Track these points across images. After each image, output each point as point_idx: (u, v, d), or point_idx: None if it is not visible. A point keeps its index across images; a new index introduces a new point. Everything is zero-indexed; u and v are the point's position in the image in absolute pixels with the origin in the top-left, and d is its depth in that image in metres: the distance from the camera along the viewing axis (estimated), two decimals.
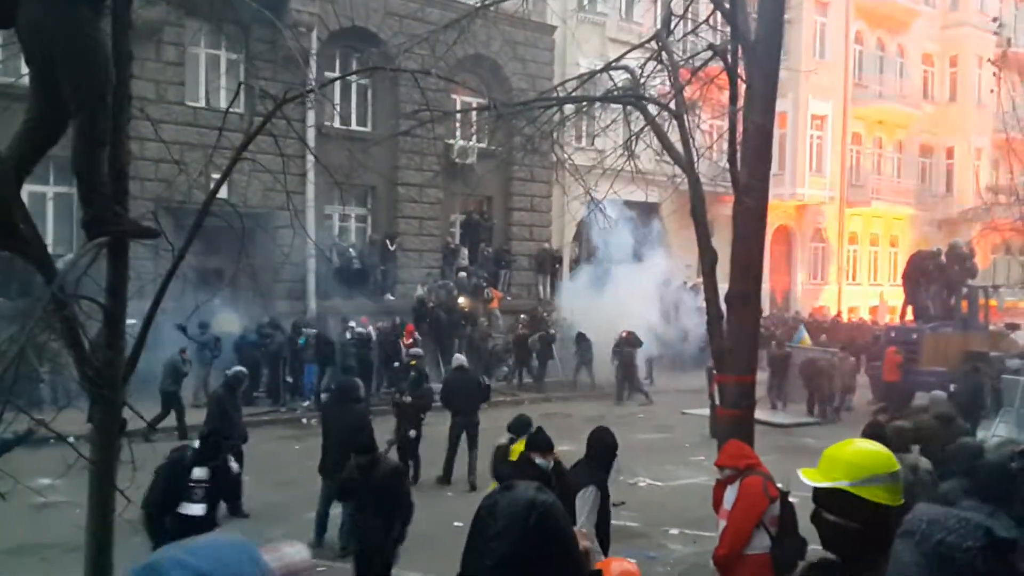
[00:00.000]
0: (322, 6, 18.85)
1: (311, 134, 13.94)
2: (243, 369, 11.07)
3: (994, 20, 11.85)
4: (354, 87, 19.75)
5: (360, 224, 21.55)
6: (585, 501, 5.91)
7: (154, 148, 12.75)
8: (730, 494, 5.83)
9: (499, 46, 21.04)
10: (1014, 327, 19.96)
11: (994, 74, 10.87)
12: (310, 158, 12.95)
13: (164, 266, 3.64)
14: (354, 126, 19.88)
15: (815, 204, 30.16)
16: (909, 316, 20.31)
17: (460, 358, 13.32)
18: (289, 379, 17.30)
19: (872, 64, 32.06)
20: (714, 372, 9.92)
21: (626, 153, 8.53)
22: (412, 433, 11.22)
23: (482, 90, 16.82)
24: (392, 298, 20.54)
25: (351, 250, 20.55)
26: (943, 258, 20.21)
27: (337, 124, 18.41)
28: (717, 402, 8.96)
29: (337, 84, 17.68)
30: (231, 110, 4.54)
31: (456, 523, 8.98)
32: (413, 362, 13.44)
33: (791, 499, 5.90)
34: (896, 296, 24.46)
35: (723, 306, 7.04)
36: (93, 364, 3.36)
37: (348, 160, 8.14)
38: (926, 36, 33.11)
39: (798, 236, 30.52)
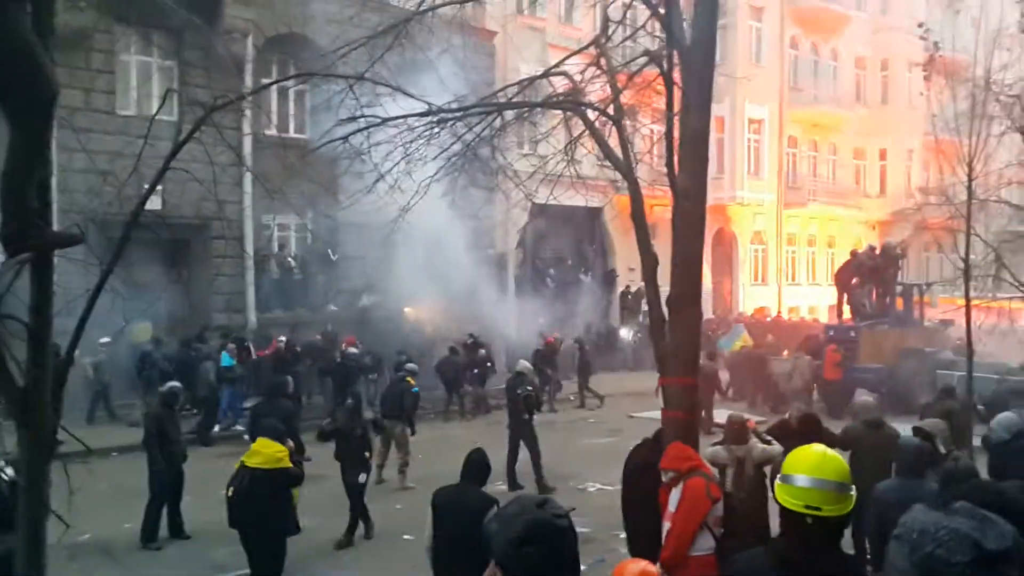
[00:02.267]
0: (259, 12, 18.47)
1: (247, 142, 13.68)
2: (178, 384, 10.78)
3: (920, 25, 12.21)
4: (291, 94, 19.42)
5: (300, 234, 21.19)
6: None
7: (83, 159, 12.40)
8: (674, 496, 5.86)
9: (437, 52, 20.92)
10: (947, 323, 20.55)
11: (925, 78, 11.17)
12: (244, 166, 12.70)
13: (93, 281, 3.50)
14: (292, 133, 19.55)
15: (754, 206, 30.72)
16: (847, 315, 20.79)
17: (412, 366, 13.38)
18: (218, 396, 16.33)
19: (807, 68, 32.83)
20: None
21: (567, 159, 8.54)
22: (362, 477, 9.61)
23: (422, 97, 16.70)
24: (335, 308, 20.25)
25: (290, 260, 20.22)
26: (878, 258, 20.77)
27: (274, 132, 18.06)
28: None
29: (274, 91, 17.36)
30: (164, 118, 4.40)
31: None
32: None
33: None
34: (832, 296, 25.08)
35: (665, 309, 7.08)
36: (14, 385, 3.20)
37: (285, 168, 8.01)
38: (858, 41, 34.02)
39: (738, 238, 31.05)
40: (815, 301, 32.08)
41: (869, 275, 20.58)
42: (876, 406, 8.97)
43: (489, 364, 19.16)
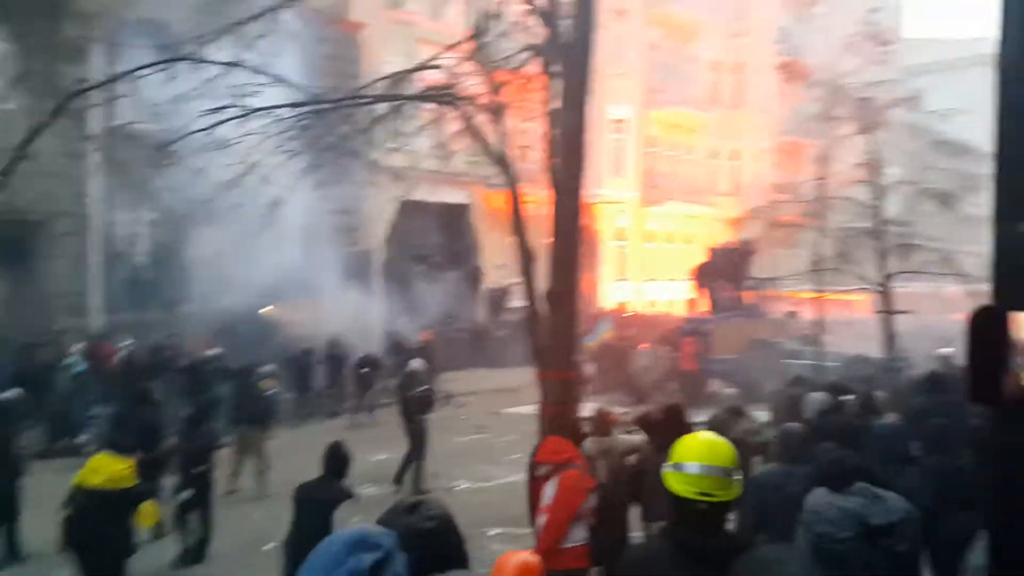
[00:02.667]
0: None
1: (98, 132, 12.76)
2: (17, 391, 9.89)
3: (778, 31, 12.89)
4: (150, 83, 18.16)
5: (154, 230, 19.96)
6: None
7: None
8: (549, 489, 5.90)
9: (303, 43, 20.32)
10: (794, 315, 21.86)
11: (784, 80, 11.76)
12: (95, 157, 11.83)
13: None
14: (147, 124, 18.39)
15: (616, 204, 31.56)
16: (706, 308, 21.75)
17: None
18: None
19: (666, 70, 34.02)
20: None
21: (444, 154, 8.44)
22: (185, 494, 8.66)
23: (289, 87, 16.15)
24: (191, 309, 19.26)
25: (143, 258, 19.08)
26: (732, 254, 21.85)
27: (128, 122, 16.90)
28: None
29: (132, 79, 16.21)
30: (6, 107, 3.98)
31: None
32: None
33: None
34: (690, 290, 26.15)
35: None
36: None
37: (142, 161, 7.48)
38: (714, 44, 35.52)
39: (601, 235, 31.82)
40: (674, 296, 33.32)
41: (724, 270, 21.59)
42: (738, 396, 9.33)
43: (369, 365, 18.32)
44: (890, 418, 6.67)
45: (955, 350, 13.47)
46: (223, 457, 11.66)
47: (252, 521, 10.09)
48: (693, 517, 2.69)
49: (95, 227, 16.85)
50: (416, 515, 1.87)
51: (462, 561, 1.90)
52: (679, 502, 2.72)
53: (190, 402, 11.09)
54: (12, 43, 16.71)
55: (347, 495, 5.67)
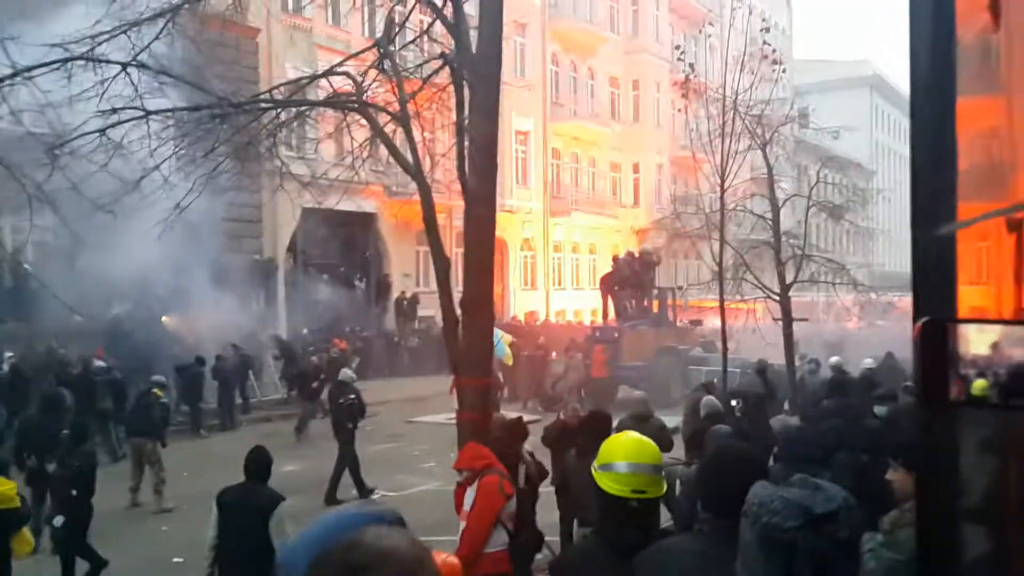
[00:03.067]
0: None
1: None
2: None
3: (677, 48, 13.32)
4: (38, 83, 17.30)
5: (39, 238, 18.95)
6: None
7: None
8: (469, 495, 5.88)
9: (196, 47, 19.68)
10: (697, 323, 22.48)
11: (682, 95, 12.08)
12: None
13: None
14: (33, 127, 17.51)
15: (522, 214, 31.83)
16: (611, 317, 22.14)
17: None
18: None
19: (567, 84, 34.58)
20: None
21: (355, 160, 8.31)
22: (57, 520, 7.83)
23: (179, 93, 15.62)
24: (80, 318, 18.35)
25: (27, 267, 18.07)
26: (636, 264, 22.34)
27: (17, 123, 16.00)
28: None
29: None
30: None
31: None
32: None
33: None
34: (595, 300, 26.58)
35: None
36: None
37: (31, 164, 7.07)
38: (612, 60, 36.34)
39: (508, 245, 32.01)
40: (580, 304, 33.79)
41: (629, 279, 22.04)
42: (645, 400, 9.49)
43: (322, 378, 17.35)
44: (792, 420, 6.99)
45: (842, 358, 14.20)
46: (118, 473, 11.24)
47: (160, 534, 9.73)
48: (625, 515, 2.72)
49: None
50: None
51: None
52: (611, 501, 2.74)
53: (70, 419, 10.53)
54: None
55: (279, 498, 5.65)
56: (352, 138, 8.55)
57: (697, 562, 2.26)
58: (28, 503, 7.66)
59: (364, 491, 11.57)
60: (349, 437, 11.85)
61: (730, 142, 11.51)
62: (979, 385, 1.46)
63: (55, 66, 5.73)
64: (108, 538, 8.68)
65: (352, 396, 12.10)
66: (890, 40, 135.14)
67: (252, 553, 5.47)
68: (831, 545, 1.76)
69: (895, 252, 48.24)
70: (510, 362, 18.24)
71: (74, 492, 7.84)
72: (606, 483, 2.77)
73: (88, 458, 8.21)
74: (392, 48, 8.44)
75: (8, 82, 5.61)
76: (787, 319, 12.35)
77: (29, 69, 5.44)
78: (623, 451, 2.80)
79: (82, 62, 6.16)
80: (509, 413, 8.20)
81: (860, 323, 19.20)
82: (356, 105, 7.77)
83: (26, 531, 6.34)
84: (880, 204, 32.35)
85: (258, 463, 5.89)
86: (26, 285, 17.69)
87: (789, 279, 12.45)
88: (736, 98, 11.78)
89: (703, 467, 2.72)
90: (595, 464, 2.85)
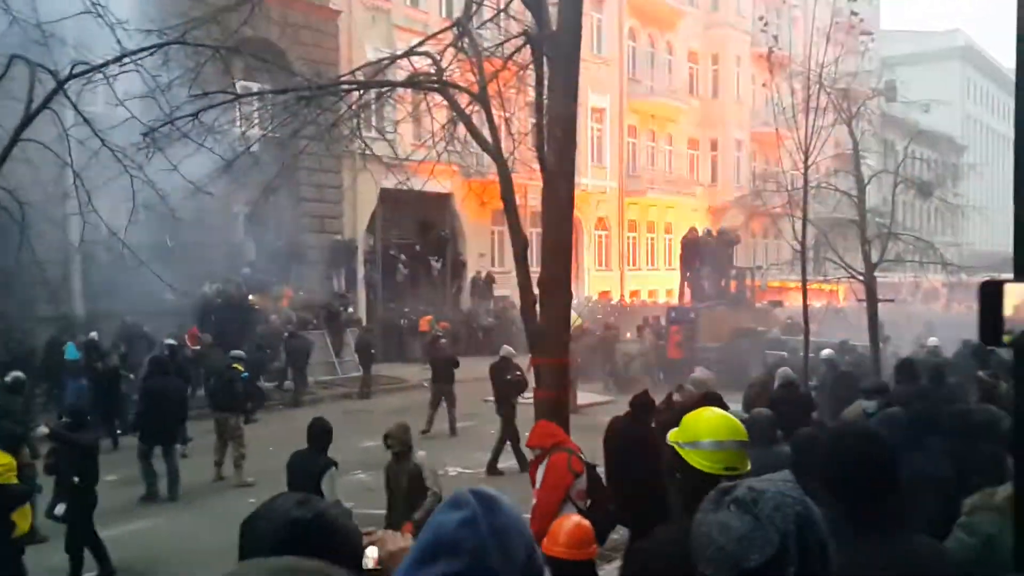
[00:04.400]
0: None
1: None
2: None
3: (760, 19, 12.96)
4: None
5: (131, 221, 19.70)
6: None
7: None
8: (540, 472, 5.97)
9: (280, 31, 20.10)
10: (777, 304, 22.02)
11: (768, 69, 11.76)
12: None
13: None
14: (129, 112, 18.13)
15: (597, 194, 31.60)
16: (688, 296, 21.87)
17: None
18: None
19: (644, 60, 34.05)
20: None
21: (441, 140, 8.37)
22: (59, 509, 7.66)
23: (268, 76, 16.04)
24: (171, 298, 19.08)
25: (124, 248, 18.82)
26: (713, 242, 21.99)
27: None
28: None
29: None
30: None
31: None
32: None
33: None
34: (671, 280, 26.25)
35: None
36: None
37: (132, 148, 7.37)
38: (691, 35, 35.63)
39: (583, 224, 31.86)
40: (655, 285, 33.46)
41: (706, 259, 21.71)
42: (705, 381, 9.19)
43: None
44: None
45: (937, 340, 13.70)
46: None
47: (247, 506, 10.05)
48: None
49: (72, 218, 16.66)
50: (302, 508, 1.72)
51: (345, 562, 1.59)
52: (701, 479, 2.57)
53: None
54: None
55: (331, 463, 6.56)
56: (433, 118, 8.64)
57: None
58: (35, 479, 7.82)
59: (524, 465, 11.68)
60: (511, 412, 12.00)
61: (814, 117, 11.17)
62: None
63: (151, 51, 5.95)
64: (196, 510, 9.01)
65: (519, 372, 12.30)
66: (983, 10, 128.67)
67: None
68: None
69: (988, 230, 46.23)
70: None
71: (76, 479, 7.62)
72: (696, 460, 2.65)
73: (90, 445, 7.96)
74: (471, 27, 8.48)
75: (118, 66, 5.84)
76: (871, 300, 11.99)
77: (134, 53, 5.66)
78: (713, 428, 2.69)
79: (176, 46, 6.37)
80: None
81: (960, 305, 18.48)
82: (437, 85, 7.85)
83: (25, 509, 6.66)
84: (972, 180, 30.97)
85: (317, 431, 6.71)
86: (123, 266, 18.44)
87: (874, 258, 12.06)
88: (821, 71, 11.42)
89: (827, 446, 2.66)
90: (677, 440, 2.72)
